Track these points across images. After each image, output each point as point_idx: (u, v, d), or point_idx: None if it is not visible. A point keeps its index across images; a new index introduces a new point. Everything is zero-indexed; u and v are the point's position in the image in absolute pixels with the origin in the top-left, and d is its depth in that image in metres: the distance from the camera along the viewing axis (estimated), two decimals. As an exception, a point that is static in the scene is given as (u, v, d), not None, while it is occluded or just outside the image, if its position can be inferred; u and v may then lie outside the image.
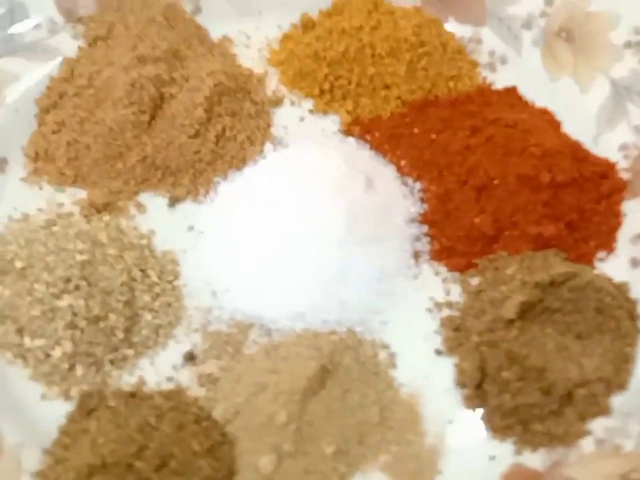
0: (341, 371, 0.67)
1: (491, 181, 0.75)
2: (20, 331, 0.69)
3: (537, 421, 0.66)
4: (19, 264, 0.71)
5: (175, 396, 0.67)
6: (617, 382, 0.67)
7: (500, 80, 0.85)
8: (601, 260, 0.75)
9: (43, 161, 0.79)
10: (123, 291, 0.70)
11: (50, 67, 0.83)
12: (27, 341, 0.69)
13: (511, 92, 0.84)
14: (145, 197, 0.78)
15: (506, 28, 0.86)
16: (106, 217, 0.76)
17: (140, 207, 0.77)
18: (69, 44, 0.84)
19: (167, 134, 0.78)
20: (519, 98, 0.83)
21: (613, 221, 0.76)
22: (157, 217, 0.77)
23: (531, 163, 0.75)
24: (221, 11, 0.88)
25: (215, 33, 0.87)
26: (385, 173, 0.78)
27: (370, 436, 0.65)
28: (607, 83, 0.82)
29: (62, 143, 0.78)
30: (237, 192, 0.77)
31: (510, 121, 0.79)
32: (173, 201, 0.78)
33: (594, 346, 0.67)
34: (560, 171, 0.75)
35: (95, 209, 0.76)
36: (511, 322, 0.67)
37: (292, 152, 0.79)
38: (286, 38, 0.88)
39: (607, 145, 0.79)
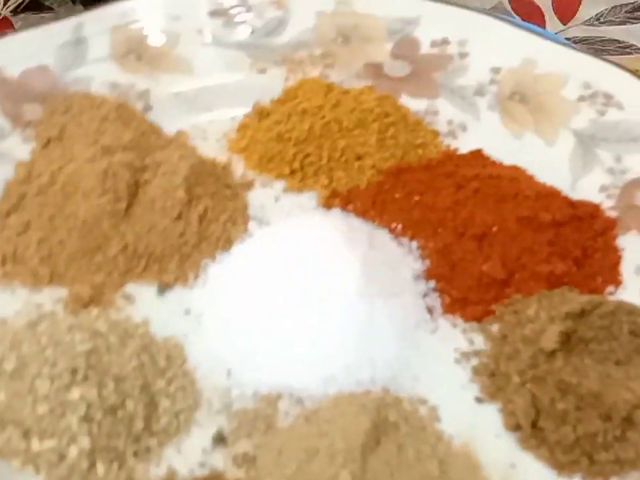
0: (389, 428, 0.65)
1: (489, 229, 0.78)
2: (26, 434, 0.64)
3: (602, 450, 0.65)
4: (9, 365, 0.67)
5: (215, 480, 0.64)
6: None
7: (463, 146, 0.89)
8: (612, 294, 0.77)
9: (12, 264, 0.76)
10: (136, 375, 0.67)
11: (3, 172, 0.82)
12: (35, 444, 0.63)
13: (477, 154, 0.88)
14: (131, 287, 0.76)
15: (459, 98, 0.92)
16: (94, 311, 0.73)
17: (128, 298, 0.75)
18: (19, 148, 0.83)
19: (147, 219, 0.77)
20: (487, 158, 0.87)
21: (613, 256, 0.79)
22: (148, 306, 0.74)
23: (527, 205, 0.78)
24: (172, 107, 0.89)
25: (169, 129, 0.89)
26: (380, 234, 0.80)
27: (435, 490, 0.64)
28: (570, 135, 0.87)
29: (31, 242, 0.76)
30: (232, 270, 0.76)
31: (492, 173, 0.83)
32: (163, 288, 0.76)
33: (637, 369, 0.70)
34: (557, 210, 0.78)
35: (80, 303, 0.74)
36: (552, 353, 0.68)
37: (285, 224, 0.80)
38: (243, 127, 0.90)
39: (585, 190, 0.83)
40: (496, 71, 0.92)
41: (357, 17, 0.96)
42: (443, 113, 0.91)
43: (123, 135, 0.81)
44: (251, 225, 0.81)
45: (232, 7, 0.95)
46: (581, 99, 0.89)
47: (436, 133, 0.90)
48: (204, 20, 0.94)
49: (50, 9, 1.08)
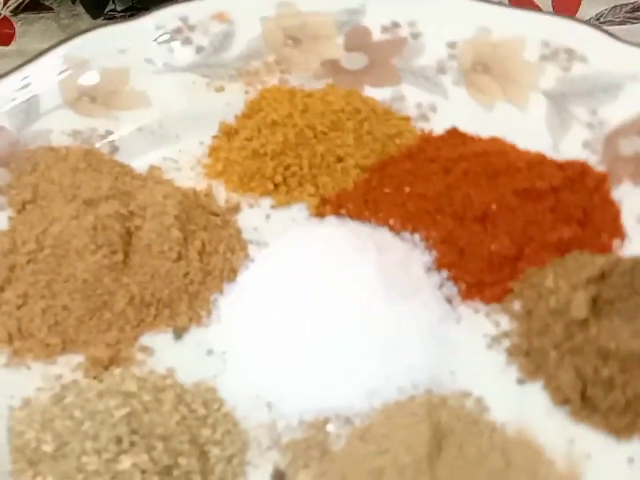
0: (445, 431, 0.65)
1: (489, 207, 0.78)
2: (84, 514, 0.63)
3: (656, 407, 0.67)
4: (48, 448, 0.65)
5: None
6: None
7: (437, 126, 0.88)
8: (620, 248, 0.78)
9: (21, 339, 0.74)
10: (181, 429, 0.65)
11: (-17, 244, 0.79)
12: (95, 521, 0.63)
13: (453, 132, 0.88)
14: (146, 338, 0.74)
15: (422, 79, 0.91)
16: (116, 371, 0.72)
17: (146, 350, 0.74)
18: (-6, 216, 0.82)
19: (147, 266, 0.75)
20: (464, 135, 0.88)
21: (611, 209, 0.80)
22: (168, 354, 0.73)
23: (521, 177, 0.79)
24: (138, 144, 0.87)
25: (140, 167, 0.87)
26: (382, 234, 0.79)
27: (504, 482, 0.64)
28: (541, 97, 0.87)
29: (35, 313, 0.73)
30: (244, 300, 0.75)
31: (476, 150, 0.83)
32: (178, 333, 0.75)
33: (666, 320, 0.71)
34: (551, 176, 0.79)
35: (101, 366, 0.72)
36: (584, 321, 0.69)
37: (285, 242, 0.79)
38: (214, 150, 0.88)
39: (569, 149, 0.84)
40: (452, 45, 0.92)
41: (302, 16, 0.95)
42: (409, 97, 0.91)
43: (100, 185, 0.79)
44: (250, 249, 0.80)
45: (175, 30, 0.94)
46: (543, 58, 0.90)
47: (407, 119, 0.90)
48: (150, 48, 0.92)
49: (50, 8, 1.08)
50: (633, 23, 1.04)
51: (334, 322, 0.71)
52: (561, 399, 0.68)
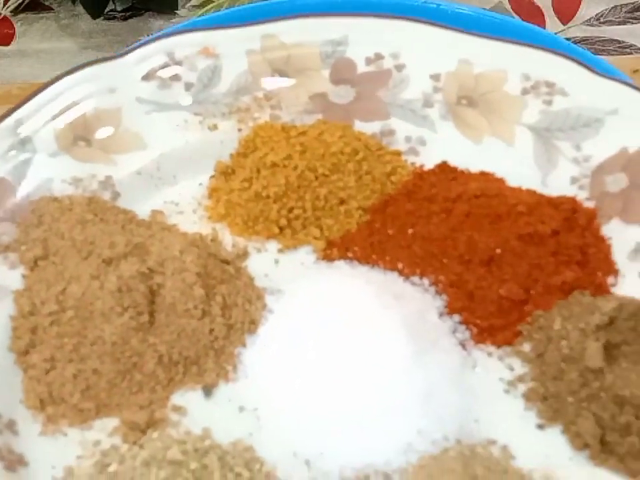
0: (480, 482, 0.70)
1: (494, 252, 0.81)
2: None
3: (668, 449, 0.73)
4: (104, 517, 0.67)
5: None
6: None
7: (427, 160, 0.91)
8: (614, 285, 0.83)
9: (53, 405, 0.74)
10: (232, 496, 0.69)
11: (2, 308, 0.79)
12: None
13: (444, 167, 0.91)
14: (176, 397, 0.76)
15: (410, 112, 0.94)
16: (154, 435, 0.73)
17: (179, 409, 0.75)
18: (7, 276, 0.81)
19: (173, 325, 0.76)
20: (455, 170, 0.91)
21: (603, 247, 0.84)
22: (201, 413, 0.74)
23: (523, 221, 0.82)
24: (138, 188, 0.88)
25: (143, 212, 0.88)
26: (394, 280, 0.83)
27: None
28: (526, 131, 0.91)
29: (66, 378, 0.74)
30: (268, 353, 0.77)
31: (475, 191, 0.87)
32: (208, 390, 0.76)
33: (670, 363, 0.76)
34: (550, 220, 0.83)
35: (138, 430, 0.73)
36: (599, 369, 0.74)
37: (302, 292, 0.81)
38: (214, 191, 0.89)
39: (557, 185, 0.88)
40: (436, 77, 0.95)
41: (286, 48, 0.96)
42: (398, 131, 0.93)
43: (114, 241, 0.79)
44: (268, 299, 0.82)
45: (162, 66, 0.93)
46: (525, 91, 0.93)
47: (399, 153, 0.92)
48: (139, 86, 0.92)
49: (50, 8, 1.09)
50: (632, 23, 1.08)
51: (363, 376, 0.74)
52: (581, 444, 0.73)
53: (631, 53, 1.08)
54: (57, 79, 0.90)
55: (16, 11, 1.07)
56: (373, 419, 0.72)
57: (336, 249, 0.85)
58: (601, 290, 0.82)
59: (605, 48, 1.02)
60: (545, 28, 1.19)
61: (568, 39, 1.12)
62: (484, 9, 1.11)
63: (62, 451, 0.72)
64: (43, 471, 0.71)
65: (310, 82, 0.95)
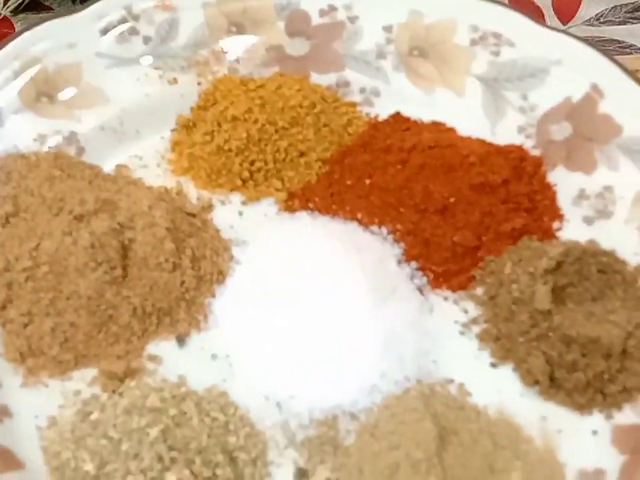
0: (443, 421, 0.74)
1: (447, 201, 0.86)
2: (134, 532, 0.69)
3: (610, 384, 0.77)
4: (88, 467, 0.70)
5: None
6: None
7: (382, 111, 0.95)
8: (559, 230, 0.88)
9: (33, 358, 0.77)
10: (213, 441, 0.72)
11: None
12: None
13: (397, 117, 0.95)
14: (152, 348, 0.79)
15: (364, 64, 0.97)
16: (132, 384, 0.76)
17: (155, 359, 0.78)
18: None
19: (146, 278, 0.79)
20: (408, 120, 0.95)
21: (549, 193, 0.90)
22: (176, 361, 0.78)
23: (475, 171, 0.86)
24: (102, 143, 0.90)
25: (108, 166, 0.89)
26: (354, 230, 0.87)
27: (496, 462, 0.74)
28: (476, 81, 0.95)
29: (44, 331, 0.77)
30: (237, 303, 0.81)
31: (429, 142, 0.90)
32: (181, 340, 0.80)
33: (613, 302, 0.80)
34: (500, 169, 0.87)
35: (116, 380, 0.77)
36: (547, 311, 0.79)
37: (267, 242, 0.84)
38: (176, 144, 0.92)
39: (505, 133, 0.92)
40: (388, 29, 0.98)
41: (241, 0, 0.97)
42: (353, 83, 0.97)
43: (84, 198, 0.81)
44: (234, 250, 0.85)
45: (120, 20, 0.94)
46: (473, 42, 0.96)
47: (354, 105, 0.96)
48: (98, 41, 0.93)
49: (50, 8, 1.07)
50: (633, 23, 1.07)
51: (327, 322, 0.78)
52: (531, 380, 0.78)
53: (630, 53, 1.07)
54: (17, 35, 0.91)
55: (16, 11, 1.05)
56: (338, 363, 0.77)
57: (297, 200, 0.89)
58: (548, 235, 0.87)
59: (605, 48, 1.00)
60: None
61: None
62: None
63: (44, 401, 0.76)
64: (27, 421, 0.74)
65: (266, 34, 0.97)
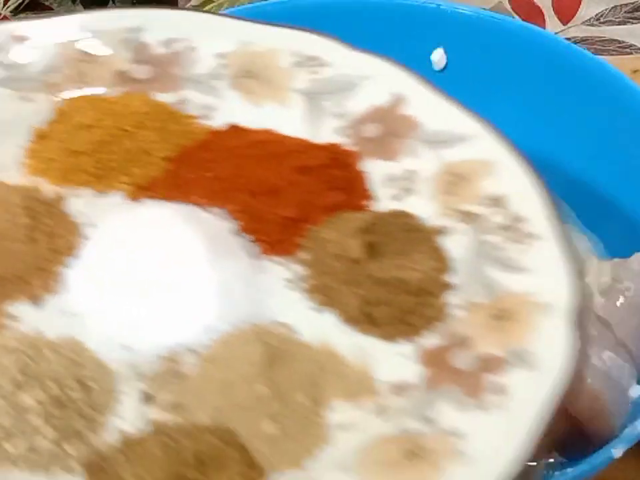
0: (271, 346, 0.85)
1: (275, 184, 0.99)
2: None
3: (416, 317, 0.89)
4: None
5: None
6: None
7: (218, 122, 1.08)
8: (371, 207, 1.02)
9: None
10: (67, 373, 0.81)
11: None
12: (9, 447, 0.76)
13: (234, 127, 1.07)
14: (10, 309, 0.87)
15: (201, 84, 1.11)
16: (-8, 335, 0.85)
17: (12, 317, 0.86)
18: None
19: (3, 248, 0.89)
20: (242, 129, 1.07)
21: (361, 177, 1.02)
22: (31, 320, 0.86)
23: (298, 157, 1.00)
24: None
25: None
26: (195, 209, 0.97)
27: (319, 379, 0.84)
28: (299, 95, 1.09)
29: None
30: (89, 268, 0.91)
31: (259, 138, 1.04)
32: (36, 302, 0.88)
33: (416, 255, 0.92)
34: (318, 156, 1.02)
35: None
36: (360, 261, 0.91)
37: (116, 222, 0.95)
38: (33, 152, 1.02)
39: (325, 135, 1.05)
40: (222, 56, 1.12)
41: (92, 40, 1.11)
42: (192, 100, 1.09)
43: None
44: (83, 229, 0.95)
45: (-20, 48, 1.06)
46: (295, 64, 1.11)
47: (193, 117, 1.08)
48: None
49: (50, 8, 1.13)
50: (633, 23, 1.14)
51: (168, 277, 0.90)
52: (350, 319, 0.90)
53: (630, 53, 1.11)
54: None
55: (16, 11, 1.10)
56: (179, 308, 0.88)
57: (144, 191, 1.00)
58: (361, 210, 1.01)
59: (605, 48, 1.08)
60: (545, 28, 1.25)
61: (568, 39, 1.18)
62: (484, 8, 1.18)
63: None
64: None
65: (114, 62, 1.10)
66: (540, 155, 1.13)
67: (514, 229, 0.95)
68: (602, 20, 1.16)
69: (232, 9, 1.25)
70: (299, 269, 0.96)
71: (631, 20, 1.17)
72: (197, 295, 0.89)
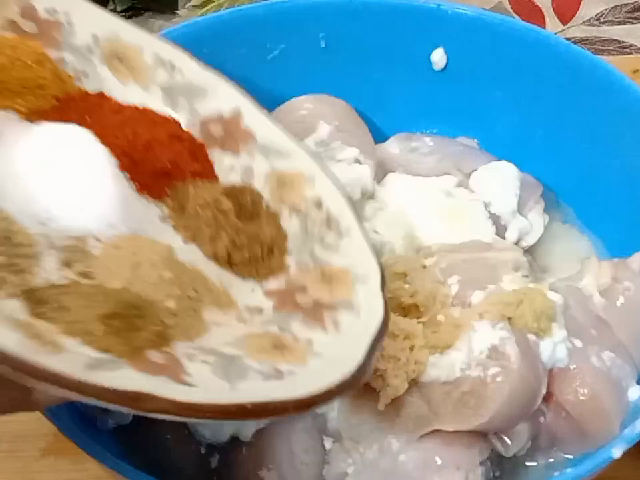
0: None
1: (150, 143, 1.16)
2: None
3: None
4: None
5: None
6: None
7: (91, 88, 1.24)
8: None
9: None
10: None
11: None
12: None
13: (100, 94, 1.25)
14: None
15: (76, 52, 1.26)
16: None
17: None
18: None
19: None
20: (108, 98, 1.25)
21: (209, 165, 1.25)
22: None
23: (169, 126, 1.19)
24: None
25: None
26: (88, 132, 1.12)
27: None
28: (156, 86, 1.29)
29: None
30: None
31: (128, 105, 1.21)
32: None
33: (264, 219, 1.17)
34: (183, 130, 1.22)
35: None
36: (225, 212, 1.12)
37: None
38: None
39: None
40: (96, 37, 1.28)
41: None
42: (69, 63, 1.24)
43: None
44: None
45: None
46: (156, 63, 1.31)
47: (70, 76, 1.23)
48: None
49: None
50: (632, 23, 1.13)
51: (78, 176, 1.05)
52: (211, 255, 1.09)
53: (631, 53, 1.09)
54: None
55: None
56: (84, 202, 1.03)
57: (37, 116, 1.13)
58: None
59: (604, 48, 1.06)
60: (545, 28, 1.27)
61: (568, 39, 1.18)
62: (484, 8, 1.19)
63: None
64: None
65: (6, 11, 1.23)
66: (540, 154, 1.19)
67: (329, 221, 1.21)
68: (602, 20, 1.14)
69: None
70: (167, 211, 1.13)
71: (630, 20, 1.16)
72: (100, 194, 1.04)
